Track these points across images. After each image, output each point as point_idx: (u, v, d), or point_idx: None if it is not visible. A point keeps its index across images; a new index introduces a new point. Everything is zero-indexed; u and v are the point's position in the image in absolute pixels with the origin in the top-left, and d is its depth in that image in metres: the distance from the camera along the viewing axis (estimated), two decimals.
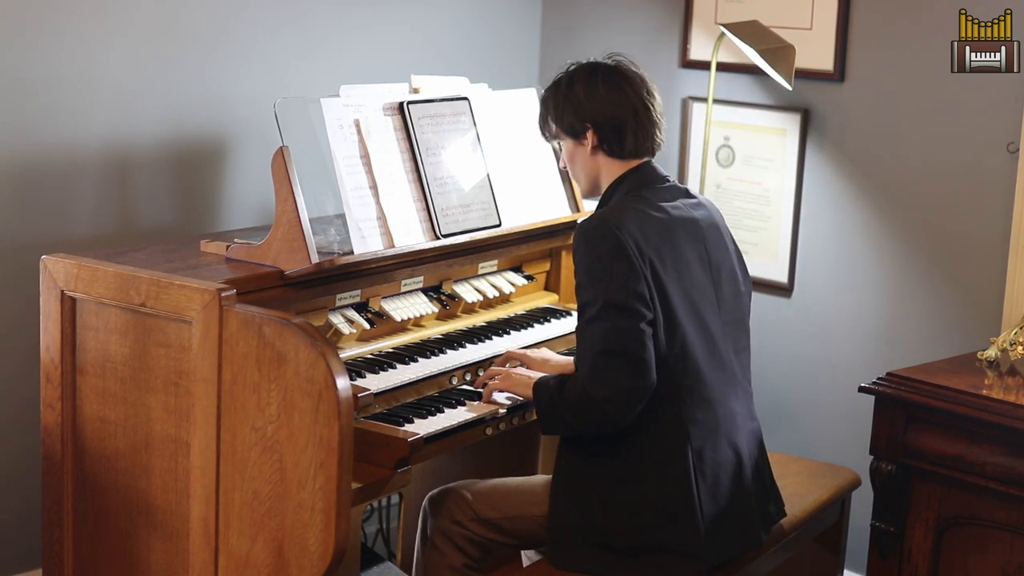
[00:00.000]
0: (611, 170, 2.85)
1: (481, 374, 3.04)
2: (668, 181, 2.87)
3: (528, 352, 3.05)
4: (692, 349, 2.72)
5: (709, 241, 2.84)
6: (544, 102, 2.92)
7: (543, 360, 3.01)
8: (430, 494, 2.96)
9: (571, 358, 3.04)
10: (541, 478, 2.97)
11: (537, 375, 2.88)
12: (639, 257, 2.66)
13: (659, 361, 2.67)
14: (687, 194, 2.88)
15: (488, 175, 3.30)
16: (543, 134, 2.95)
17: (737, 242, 2.98)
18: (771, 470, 2.94)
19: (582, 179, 2.91)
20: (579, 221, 2.79)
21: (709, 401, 2.74)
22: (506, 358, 3.05)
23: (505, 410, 2.92)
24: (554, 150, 3.52)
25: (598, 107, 2.81)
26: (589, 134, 2.82)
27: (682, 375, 2.71)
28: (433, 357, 3.04)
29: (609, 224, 2.68)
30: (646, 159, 2.86)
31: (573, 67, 2.89)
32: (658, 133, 2.86)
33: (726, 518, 2.74)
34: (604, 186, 2.87)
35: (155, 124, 3.45)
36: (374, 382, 2.84)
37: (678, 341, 2.70)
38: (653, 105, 2.85)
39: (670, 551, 2.69)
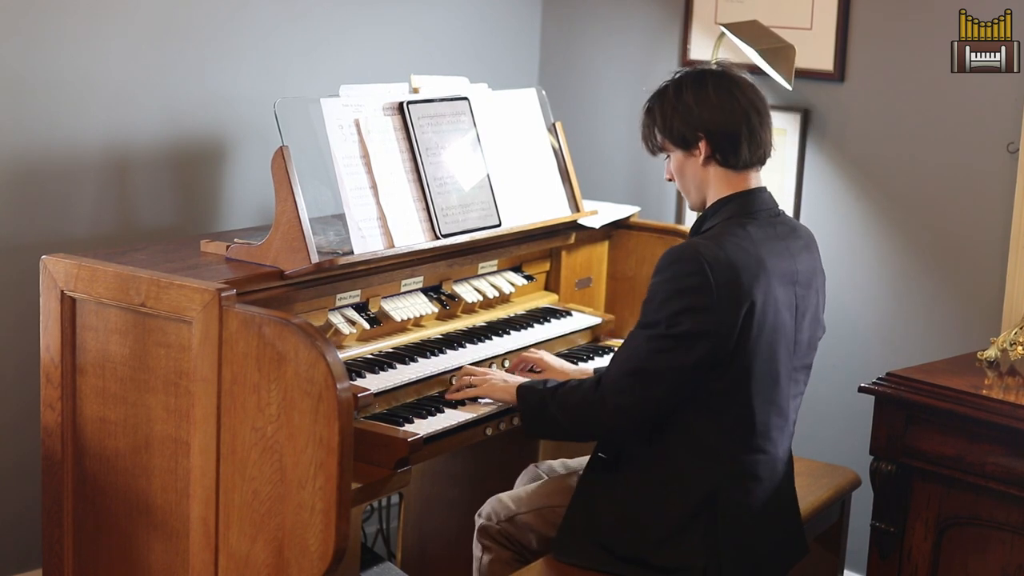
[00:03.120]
0: (721, 185, 2.70)
1: None
2: (778, 213, 2.74)
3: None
4: (755, 400, 2.64)
5: (800, 285, 2.71)
6: (649, 112, 2.75)
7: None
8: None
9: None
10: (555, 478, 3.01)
11: (516, 380, 2.87)
12: (730, 301, 2.55)
13: (716, 404, 2.62)
14: (794, 230, 2.75)
15: (488, 175, 3.29)
16: (647, 146, 2.78)
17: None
18: (798, 505, 2.87)
19: (692, 192, 2.74)
20: (670, 248, 2.65)
21: (757, 449, 2.68)
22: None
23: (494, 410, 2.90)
24: (555, 150, 3.52)
25: (710, 115, 2.66)
26: (702, 144, 2.68)
27: (737, 421, 2.65)
28: (433, 357, 3.04)
29: (701, 260, 2.56)
30: (760, 185, 2.72)
31: (678, 75, 2.74)
32: (770, 139, 2.72)
33: (743, 556, 2.68)
34: (710, 201, 2.72)
35: (155, 124, 3.45)
36: (374, 382, 2.84)
37: (742, 390, 2.62)
38: (764, 110, 2.71)
39: (670, 570, 2.66)
